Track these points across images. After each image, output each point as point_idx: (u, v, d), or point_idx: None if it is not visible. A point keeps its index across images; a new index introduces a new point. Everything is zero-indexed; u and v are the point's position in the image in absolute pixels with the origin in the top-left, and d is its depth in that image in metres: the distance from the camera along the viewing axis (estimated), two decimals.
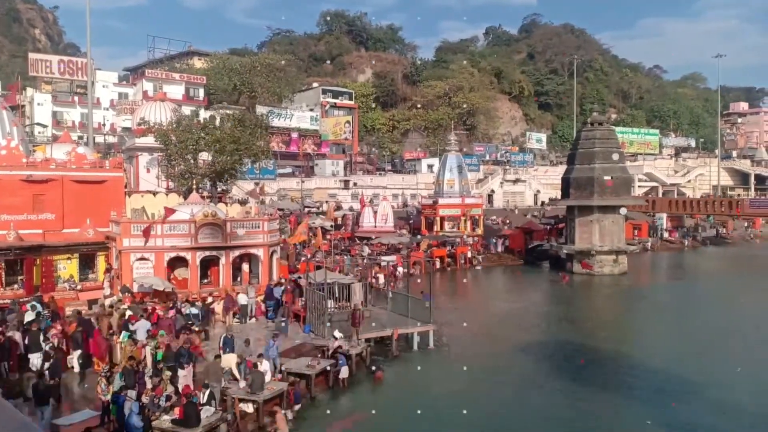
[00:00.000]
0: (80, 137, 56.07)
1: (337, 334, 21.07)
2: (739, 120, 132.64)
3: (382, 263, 37.66)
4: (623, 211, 44.26)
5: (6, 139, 28.46)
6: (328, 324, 22.25)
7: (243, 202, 38.69)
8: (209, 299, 24.63)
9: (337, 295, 25.56)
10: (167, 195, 33.06)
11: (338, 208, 55.30)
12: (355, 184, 66.14)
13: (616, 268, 43.36)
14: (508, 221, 60.26)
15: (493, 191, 74.97)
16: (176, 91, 67.33)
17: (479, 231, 52.33)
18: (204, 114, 57.63)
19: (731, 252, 59.88)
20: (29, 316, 20.34)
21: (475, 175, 73.81)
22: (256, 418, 16.25)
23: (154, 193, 33.62)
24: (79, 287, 27.32)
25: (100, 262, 28.64)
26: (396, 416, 17.41)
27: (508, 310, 32.68)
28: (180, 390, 15.38)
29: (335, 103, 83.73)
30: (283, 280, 27.63)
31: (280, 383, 17.22)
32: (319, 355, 20.08)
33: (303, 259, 36.04)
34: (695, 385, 19.68)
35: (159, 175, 37.32)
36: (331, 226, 46.78)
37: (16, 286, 26.08)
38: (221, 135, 35.54)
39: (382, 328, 23.73)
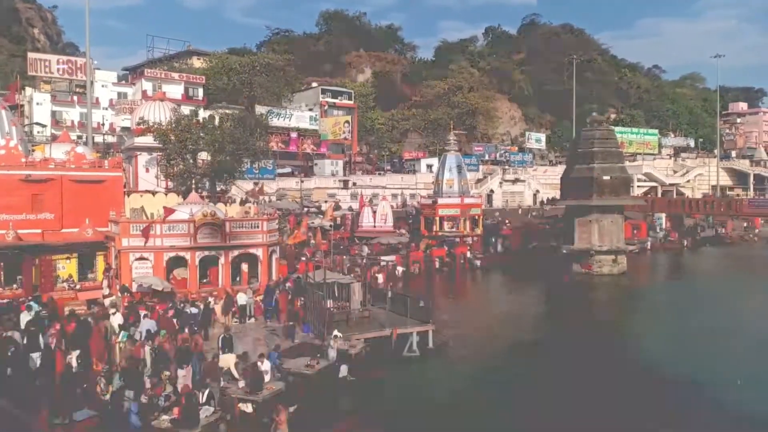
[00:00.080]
0: (79, 137, 56.02)
1: (335, 334, 21.06)
2: (738, 120, 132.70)
3: (382, 263, 37.65)
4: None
5: (5, 139, 28.42)
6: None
7: (243, 202, 38.66)
8: (210, 299, 24.59)
9: (336, 295, 25.59)
10: (166, 195, 33.06)
11: (337, 207, 55.28)
12: (354, 183, 66.15)
13: (615, 268, 43.38)
14: (507, 221, 60.30)
15: (492, 191, 74.99)
16: (175, 90, 67.28)
17: (478, 231, 52.35)
18: (203, 114, 57.57)
19: (730, 252, 59.90)
20: (28, 316, 20.32)
21: (475, 175, 73.85)
22: (255, 418, 16.22)
23: (153, 193, 33.62)
24: (78, 287, 27.29)
25: (99, 262, 28.61)
26: (395, 416, 17.40)
27: (507, 310, 32.70)
28: (179, 390, 15.37)
29: (334, 103, 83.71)
30: (279, 282, 27.56)
31: (279, 383, 17.21)
32: (318, 355, 20.06)
33: (302, 259, 36.06)
34: (694, 385, 19.69)
35: (158, 175, 37.29)
36: (331, 226, 46.74)
37: (15, 285, 26.07)
38: (220, 135, 35.54)
39: (381, 327, 23.71)
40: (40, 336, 17.87)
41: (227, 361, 17.54)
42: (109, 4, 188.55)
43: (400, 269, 39.17)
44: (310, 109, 79.28)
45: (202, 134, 35.79)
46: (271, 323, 24.37)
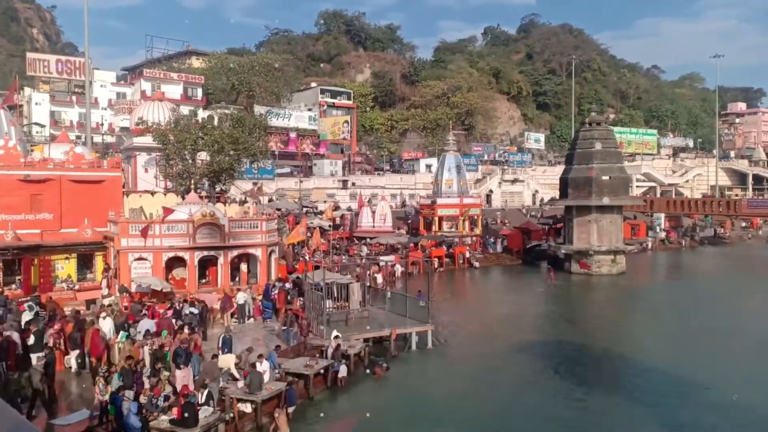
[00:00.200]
0: (78, 137, 55.99)
1: (335, 334, 21.06)
2: (737, 120, 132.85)
3: (381, 263, 37.64)
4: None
5: (4, 139, 28.43)
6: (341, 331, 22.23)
7: (242, 202, 38.66)
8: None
9: (335, 295, 25.59)
10: (165, 195, 33.07)
11: (336, 208, 55.28)
12: (353, 184, 66.15)
13: (614, 268, 43.42)
14: (506, 221, 60.34)
15: (491, 191, 75.00)
16: (174, 90, 67.26)
17: (477, 231, 52.37)
18: (202, 114, 57.55)
19: (729, 252, 59.96)
20: (27, 316, 20.31)
21: (474, 175, 73.87)
22: (254, 418, 16.24)
23: (152, 193, 33.62)
24: (77, 287, 27.29)
25: (98, 262, 28.61)
26: (394, 416, 17.41)
27: (507, 310, 32.70)
28: (178, 390, 15.36)
29: (333, 103, 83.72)
30: (277, 282, 27.56)
31: (278, 383, 17.21)
32: (317, 355, 20.07)
33: (301, 259, 36.06)
34: (694, 385, 19.69)
35: (157, 175, 37.29)
36: (330, 226, 46.74)
37: (14, 286, 26.05)
38: (219, 135, 35.54)
39: (381, 328, 23.73)
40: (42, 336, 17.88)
41: (227, 361, 17.53)
42: (108, 3, 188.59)
43: (399, 269, 39.15)
44: (309, 109, 79.28)
45: (201, 134, 35.80)
46: (271, 323, 24.38)
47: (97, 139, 59.57)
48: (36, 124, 59.59)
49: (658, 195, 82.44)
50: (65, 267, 27.69)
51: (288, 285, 27.71)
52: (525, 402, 18.63)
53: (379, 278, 35.39)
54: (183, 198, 30.86)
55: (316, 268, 27.83)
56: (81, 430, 13.96)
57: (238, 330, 22.62)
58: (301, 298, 26.06)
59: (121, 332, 19.11)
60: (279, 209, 44.59)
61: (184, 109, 56.17)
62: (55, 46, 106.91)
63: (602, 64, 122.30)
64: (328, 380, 19.21)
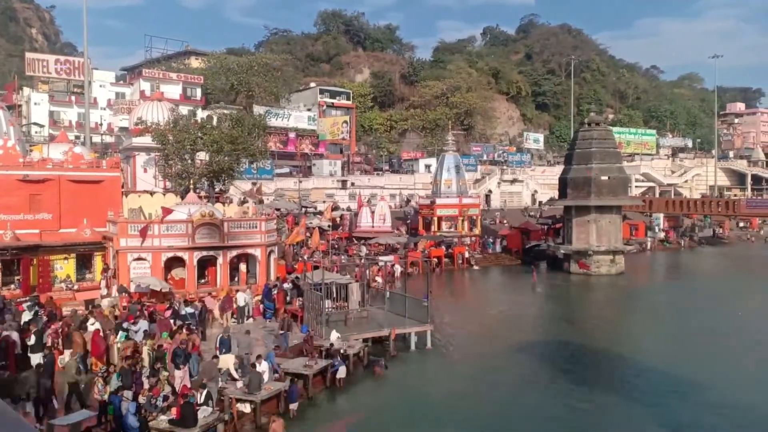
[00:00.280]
0: (77, 137, 55.95)
1: (333, 334, 21.05)
2: (736, 120, 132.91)
3: (380, 263, 37.62)
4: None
5: (3, 139, 28.41)
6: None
7: (242, 202, 38.68)
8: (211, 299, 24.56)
9: (334, 296, 25.59)
10: (164, 195, 33.07)
11: (336, 208, 55.27)
12: (352, 184, 66.11)
13: (613, 268, 43.43)
14: (505, 221, 60.35)
15: (490, 191, 75.00)
16: (173, 90, 67.21)
17: (477, 231, 52.38)
18: (201, 114, 57.57)
19: (728, 252, 60.01)
20: (26, 316, 20.30)
21: (473, 175, 73.86)
22: (253, 419, 16.23)
23: (152, 193, 33.62)
24: (76, 287, 27.27)
25: (97, 262, 28.60)
26: (393, 416, 17.41)
27: (506, 310, 32.72)
28: (177, 390, 15.36)
29: (333, 103, 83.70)
30: (277, 282, 27.56)
31: (277, 383, 17.21)
32: (317, 355, 20.06)
33: (301, 259, 36.04)
34: (693, 385, 19.70)
35: (156, 175, 37.29)
36: (329, 226, 46.72)
37: (12, 286, 26.04)
38: (218, 135, 35.54)
39: (380, 328, 23.72)
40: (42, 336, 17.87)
41: (226, 361, 17.53)
42: (108, 3, 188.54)
43: (398, 269, 39.13)
44: (309, 109, 79.25)
45: (200, 134, 35.81)
46: (271, 323, 24.36)
47: (96, 139, 59.54)
48: (35, 124, 59.55)
49: (657, 195, 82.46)
50: (64, 267, 27.68)
51: (287, 285, 27.71)
52: (524, 402, 18.64)
53: (379, 278, 35.38)
54: (182, 198, 30.86)
55: (315, 268, 27.82)
56: (80, 431, 13.96)
57: (237, 330, 22.60)
58: (300, 298, 26.05)
59: (120, 332, 19.10)
60: (278, 209, 44.59)
61: (183, 109, 56.15)
62: (54, 46, 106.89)
63: (601, 65, 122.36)
64: (327, 380, 19.21)
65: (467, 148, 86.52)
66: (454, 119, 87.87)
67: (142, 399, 14.76)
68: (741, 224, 71.59)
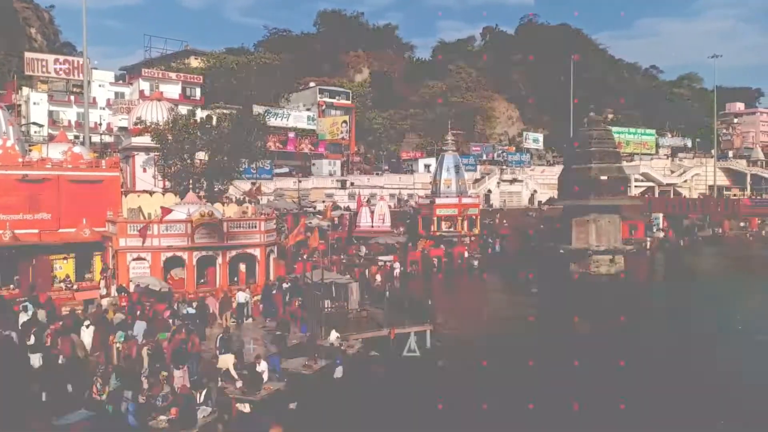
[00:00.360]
0: (76, 137, 55.93)
1: (333, 334, 21.04)
2: (735, 120, 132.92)
3: (379, 263, 37.67)
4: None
5: (2, 139, 28.38)
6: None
7: (241, 202, 38.66)
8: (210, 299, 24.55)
9: (334, 295, 25.58)
10: (164, 195, 33.05)
11: (335, 207, 55.28)
12: (352, 183, 66.13)
13: (613, 268, 43.40)
14: (504, 221, 60.38)
15: (490, 191, 75.05)
16: (173, 90, 67.23)
17: (476, 231, 52.39)
18: (200, 113, 57.53)
19: (727, 251, 60.02)
20: (24, 317, 20.28)
21: (472, 175, 73.91)
22: (252, 418, 16.19)
23: (151, 193, 33.59)
24: (75, 287, 27.25)
25: (97, 262, 28.59)
26: (393, 416, 17.40)
27: (506, 310, 32.72)
28: (176, 390, 15.34)
29: (332, 103, 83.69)
30: (276, 282, 27.54)
31: (277, 383, 17.19)
32: (316, 355, 20.04)
33: (300, 259, 36.03)
34: (694, 385, 19.70)
35: (155, 175, 37.26)
36: (328, 226, 46.71)
37: (12, 286, 26.02)
38: (218, 135, 35.53)
39: (379, 327, 23.70)
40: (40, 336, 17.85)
41: (226, 361, 17.51)
42: (107, 3, 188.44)
43: (397, 269, 39.16)
44: (308, 109, 79.25)
45: (199, 134, 35.79)
46: (271, 323, 24.33)
47: (96, 138, 59.52)
48: (34, 123, 59.49)
49: (657, 195, 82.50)
50: (63, 267, 27.66)
51: (286, 285, 27.67)
52: (524, 402, 18.59)
53: (378, 278, 35.41)
54: (181, 198, 30.84)
55: (315, 268, 27.80)
56: (79, 431, 13.93)
57: (237, 330, 22.59)
58: (300, 298, 26.02)
59: (119, 332, 19.09)
60: (277, 209, 44.57)
61: (183, 109, 56.09)
62: (54, 45, 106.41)
63: (601, 64, 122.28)
64: (326, 380, 19.17)
65: (467, 148, 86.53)
66: (453, 119, 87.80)
67: (141, 399, 14.74)
68: (742, 224, 71.63)
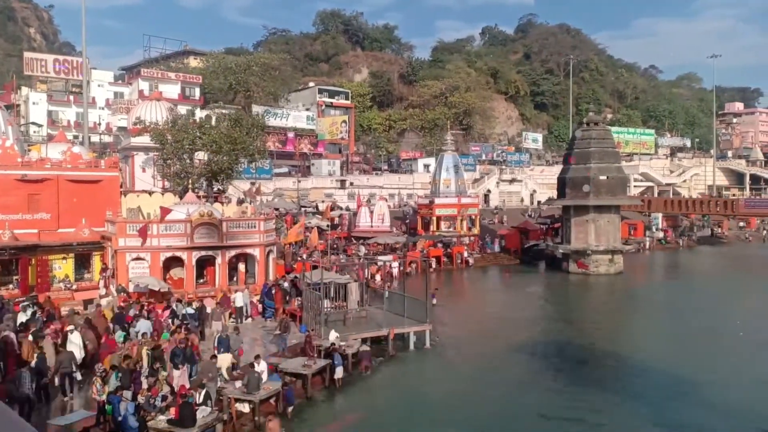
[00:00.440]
0: (76, 137, 55.91)
1: (332, 334, 21.04)
2: (735, 120, 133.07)
3: (379, 263, 37.64)
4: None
5: (1, 139, 28.39)
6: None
7: (240, 202, 38.66)
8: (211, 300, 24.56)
9: (333, 295, 25.56)
10: (163, 195, 33.05)
11: (334, 207, 55.28)
12: (351, 183, 66.11)
13: (612, 267, 43.47)
14: (504, 221, 60.40)
15: (489, 191, 75.06)
16: (172, 90, 67.20)
17: (475, 231, 52.40)
18: (200, 113, 57.53)
19: (726, 251, 60.09)
20: (24, 317, 20.27)
21: (472, 174, 73.88)
22: (252, 418, 16.22)
23: (150, 193, 33.58)
24: (74, 287, 27.26)
25: (96, 262, 28.60)
26: (392, 416, 17.42)
27: (504, 310, 32.74)
28: (176, 390, 15.35)
29: (331, 103, 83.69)
30: (276, 282, 27.54)
31: (276, 383, 17.19)
32: (315, 355, 20.05)
33: (299, 258, 36.03)
34: (693, 385, 19.71)
35: (155, 175, 37.25)
36: (328, 225, 46.73)
37: (11, 286, 26.02)
38: (217, 135, 35.50)
39: (379, 327, 23.71)
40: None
41: (224, 360, 17.54)
42: (106, 3, 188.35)
43: (396, 269, 39.15)
44: (307, 109, 79.24)
45: (198, 134, 35.76)
46: (270, 323, 24.35)
47: (95, 138, 59.51)
48: (33, 123, 59.49)
49: (656, 195, 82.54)
50: (63, 267, 27.67)
51: (286, 285, 27.70)
52: (523, 402, 18.63)
53: (378, 278, 35.41)
54: (181, 198, 30.83)
55: (314, 267, 27.80)
56: (79, 431, 13.95)
57: (230, 328, 22.56)
58: (299, 298, 26.04)
59: (119, 332, 19.10)
60: (277, 209, 44.58)
61: (182, 109, 56.09)
62: (53, 45, 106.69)
63: (600, 64, 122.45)
64: (326, 380, 19.20)
65: (466, 147, 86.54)
66: (452, 119, 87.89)
67: (140, 399, 14.75)
68: (740, 224, 71.68)
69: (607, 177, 43.63)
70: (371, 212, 49.95)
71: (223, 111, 53.74)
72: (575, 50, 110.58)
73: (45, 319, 20.15)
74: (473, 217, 52.76)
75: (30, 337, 17.31)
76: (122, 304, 23.02)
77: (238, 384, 16.57)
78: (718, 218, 68.03)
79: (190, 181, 35.44)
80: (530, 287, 39.97)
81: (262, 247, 28.03)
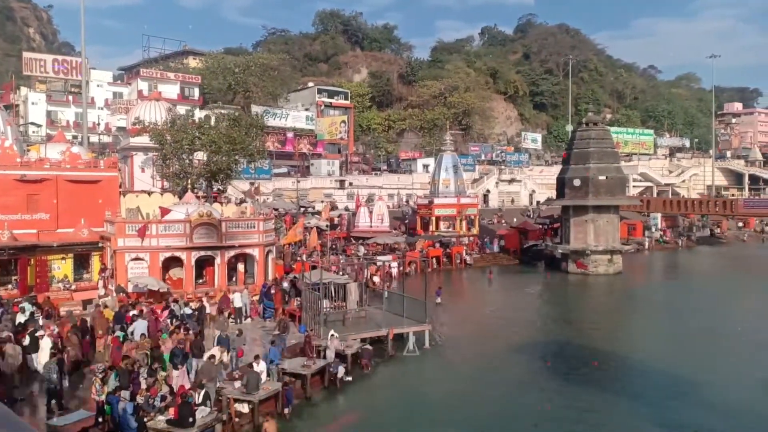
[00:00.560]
0: (75, 137, 55.89)
1: (332, 334, 21.04)
2: (733, 120, 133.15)
3: (378, 263, 37.64)
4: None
5: (0, 139, 28.35)
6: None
7: (240, 202, 38.64)
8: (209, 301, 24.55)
9: (333, 295, 25.56)
10: (162, 195, 33.01)
11: (334, 207, 55.27)
12: (350, 183, 66.09)
13: (611, 267, 43.49)
14: (503, 221, 60.42)
15: (488, 191, 75.07)
16: (171, 90, 67.19)
17: (475, 231, 52.41)
18: (199, 113, 57.50)
19: (725, 251, 60.13)
20: (22, 317, 20.26)
21: (471, 175, 73.87)
22: (251, 419, 16.22)
23: (149, 193, 33.54)
24: (73, 287, 27.24)
25: (95, 262, 28.57)
26: (391, 416, 17.41)
27: (504, 310, 32.74)
28: (175, 390, 15.34)
29: (331, 103, 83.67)
30: (275, 282, 27.53)
31: (275, 383, 17.20)
32: (315, 355, 20.04)
33: (299, 259, 36.02)
34: (693, 385, 19.72)
35: (154, 175, 37.22)
36: (327, 226, 46.72)
37: (10, 286, 26.00)
38: (216, 135, 35.48)
39: (378, 327, 23.71)
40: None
41: (216, 351, 17.64)
42: (105, 3, 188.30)
43: (396, 269, 39.16)
44: (307, 109, 79.22)
45: (198, 134, 35.74)
46: (270, 323, 24.34)
47: (94, 138, 59.46)
48: (32, 123, 59.45)
49: (655, 195, 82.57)
50: (62, 267, 27.65)
51: (285, 285, 27.70)
52: (523, 402, 18.63)
53: (377, 278, 35.40)
54: (180, 198, 30.82)
55: (314, 268, 27.80)
56: (78, 431, 13.94)
57: (235, 330, 22.55)
58: (299, 298, 26.04)
59: (118, 332, 19.08)
60: (276, 209, 44.56)
61: (181, 109, 55.96)
62: (52, 45, 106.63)
63: (599, 64, 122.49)
64: (325, 380, 19.20)
65: (465, 147, 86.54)
66: (452, 119, 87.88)
67: (140, 399, 14.74)
68: (739, 224, 71.73)
69: (606, 177, 43.65)
70: (370, 212, 49.96)
71: (223, 111, 53.69)
72: (574, 50, 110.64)
73: (44, 320, 20.13)
74: (472, 217, 52.78)
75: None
76: (121, 304, 23.02)
77: (238, 384, 16.58)
78: (717, 218, 68.08)
79: (189, 182, 35.43)
80: (529, 287, 40.00)
81: (262, 247, 28.02)
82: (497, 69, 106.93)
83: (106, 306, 22.48)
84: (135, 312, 21.01)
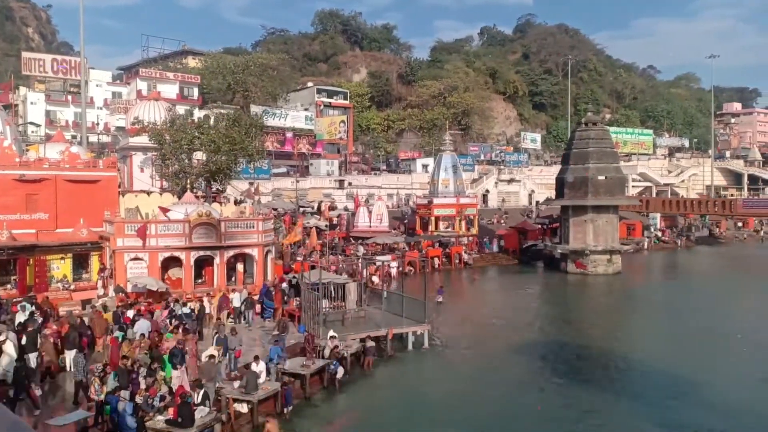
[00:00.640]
0: (74, 136, 55.84)
1: (331, 334, 21.02)
2: (733, 120, 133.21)
3: (377, 263, 37.64)
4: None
5: None
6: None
7: (239, 202, 38.60)
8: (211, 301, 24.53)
9: (332, 295, 25.55)
10: (161, 194, 33.02)
11: (333, 207, 55.24)
12: (350, 183, 66.06)
13: (610, 267, 43.50)
14: (503, 221, 60.42)
15: (487, 191, 75.06)
16: (170, 90, 67.14)
17: (474, 231, 52.40)
18: (198, 113, 57.47)
19: (724, 251, 60.16)
20: (21, 317, 20.23)
21: (470, 175, 73.85)
22: (250, 419, 16.20)
23: (148, 193, 33.56)
24: (72, 287, 27.21)
25: (94, 262, 28.55)
26: (391, 416, 17.40)
27: (503, 310, 32.73)
28: (174, 390, 15.32)
29: (330, 103, 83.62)
30: (275, 282, 27.52)
31: (274, 383, 17.18)
32: (314, 355, 20.02)
33: (298, 259, 36.01)
34: (693, 385, 19.72)
35: (153, 175, 37.23)
36: (326, 225, 46.70)
37: (9, 286, 25.97)
38: (216, 135, 35.47)
39: (377, 327, 23.69)
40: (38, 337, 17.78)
41: (211, 349, 17.65)
42: (104, 3, 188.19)
43: (395, 269, 39.16)
44: (306, 109, 79.17)
45: (197, 134, 35.74)
46: (269, 323, 24.32)
47: (93, 138, 59.39)
48: (31, 123, 59.39)
49: (654, 195, 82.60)
50: (61, 267, 27.63)
51: (284, 285, 27.67)
52: (523, 402, 18.63)
53: (376, 278, 35.39)
54: (179, 198, 30.79)
55: (313, 267, 27.78)
56: (77, 431, 13.92)
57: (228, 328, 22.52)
58: (298, 298, 26.03)
59: (118, 332, 19.06)
60: (275, 209, 44.53)
61: (180, 109, 56.06)
62: (51, 45, 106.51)
63: (598, 65, 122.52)
64: (324, 380, 19.18)
65: (465, 147, 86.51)
66: (451, 119, 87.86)
67: (139, 399, 14.72)
68: (738, 224, 71.77)
69: (606, 177, 43.66)
70: (370, 212, 49.94)
71: (222, 111, 53.67)
72: (574, 50, 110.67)
73: (42, 319, 20.09)
74: (472, 217, 52.77)
75: None
76: (119, 304, 23.01)
77: (237, 384, 16.56)
78: (716, 218, 68.12)
79: (188, 181, 35.42)
80: (529, 287, 40.01)
81: (261, 247, 28.01)
82: (496, 69, 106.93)
83: (105, 306, 22.43)
84: (134, 312, 21.01)
